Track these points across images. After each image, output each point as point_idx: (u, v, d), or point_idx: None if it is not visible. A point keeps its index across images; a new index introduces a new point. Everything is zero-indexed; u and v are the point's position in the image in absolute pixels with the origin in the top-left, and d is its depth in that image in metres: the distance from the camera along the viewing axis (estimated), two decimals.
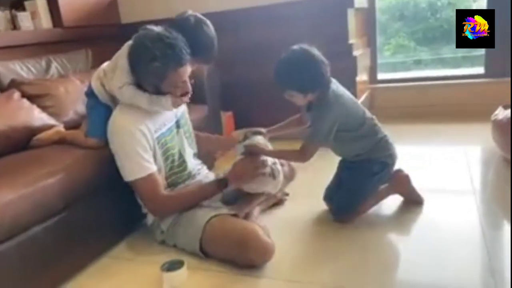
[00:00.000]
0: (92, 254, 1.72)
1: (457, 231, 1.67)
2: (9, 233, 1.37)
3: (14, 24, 2.49)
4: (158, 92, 1.61)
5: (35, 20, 2.56)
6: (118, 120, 1.65)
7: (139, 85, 1.62)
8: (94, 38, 2.85)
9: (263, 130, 1.92)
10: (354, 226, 1.78)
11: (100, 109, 1.78)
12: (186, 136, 1.88)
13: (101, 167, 1.70)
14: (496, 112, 2.28)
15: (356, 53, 2.82)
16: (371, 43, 3.44)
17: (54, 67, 2.40)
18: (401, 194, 1.93)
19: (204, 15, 1.77)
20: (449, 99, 3.23)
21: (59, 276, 1.57)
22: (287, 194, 2.11)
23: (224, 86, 2.85)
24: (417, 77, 3.56)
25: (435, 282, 1.39)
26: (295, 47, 1.66)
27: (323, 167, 2.08)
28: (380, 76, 3.52)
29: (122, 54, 1.65)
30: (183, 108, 1.89)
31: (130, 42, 1.62)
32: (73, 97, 2.17)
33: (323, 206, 1.94)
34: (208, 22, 1.75)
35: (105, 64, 1.81)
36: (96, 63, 2.27)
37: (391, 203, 1.92)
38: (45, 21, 2.61)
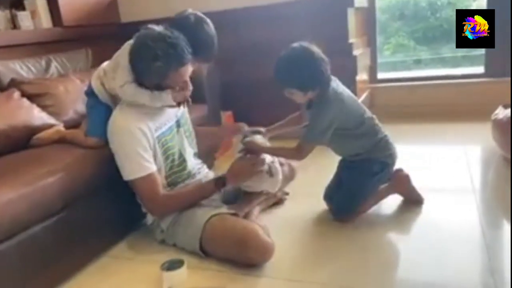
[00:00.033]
0: (92, 253, 1.72)
1: (457, 231, 1.67)
2: (9, 232, 1.37)
3: (14, 24, 2.49)
4: (159, 89, 1.62)
5: (35, 20, 2.56)
6: (118, 119, 1.65)
7: (140, 83, 1.62)
8: (94, 37, 2.85)
9: (262, 129, 1.92)
10: (354, 226, 1.78)
11: (100, 108, 1.78)
12: (186, 136, 1.88)
13: (101, 167, 1.70)
14: (496, 111, 2.28)
15: (356, 52, 2.82)
16: (371, 43, 3.44)
17: (54, 66, 2.40)
18: (401, 193, 1.93)
19: (204, 14, 1.77)
20: (449, 99, 3.23)
21: (59, 275, 1.57)
22: (287, 194, 2.11)
23: (224, 85, 2.85)
24: (417, 77, 3.56)
25: (435, 282, 1.39)
26: (295, 44, 1.66)
27: (323, 167, 2.08)
28: (380, 75, 3.52)
29: (123, 53, 1.64)
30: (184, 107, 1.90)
31: (130, 41, 1.62)
32: (73, 97, 2.17)
33: (323, 205, 1.94)
34: (208, 20, 1.75)
35: (105, 64, 1.81)
36: (96, 63, 2.27)
37: (391, 203, 1.92)
38: (45, 21, 2.60)
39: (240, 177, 1.75)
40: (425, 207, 1.88)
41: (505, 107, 2.26)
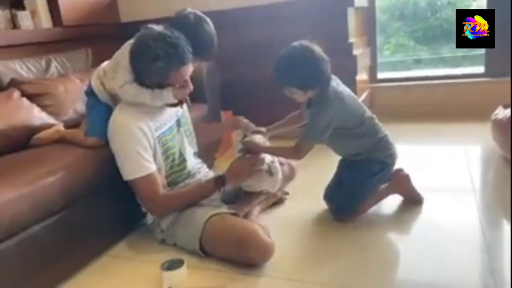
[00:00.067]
0: (92, 253, 1.72)
1: (457, 231, 1.67)
2: (9, 232, 1.37)
3: (14, 23, 2.49)
4: (160, 87, 1.61)
5: (35, 19, 2.56)
6: (118, 119, 1.65)
7: (141, 83, 1.62)
8: (94, 37, 2.85)
9: (262, 129, 1.92)
10: (354, 226, 1.78)
11: (100, 108, 1.77)
12: (187, 135, 1.88)
13: (101, 167, 1.70)
14: (496, 111, 2.28)
15: (356, 52, 2.82)
16: (371, 42, 3.44)
17: (54, 66, 2.40)
18: (401, 193, 1.93)
19: (204, 13, 1.77)
20: (449, 99, 3.23)
21: (59, 275, 1.57)
22: (287, 193, 2.11)
23: (224, 84, 2.85)
24: (417, 76, 3.56)
25: (435, 281, 1.39)
26: (295, 43, 1.66)
27: (323, 167, 2.08)
28: (380, 75, 3.52)
29: (123, 53, 1.64)
30: (184, 107, 1.89)
31: (131, 41, 1.61)
32: (72, 96, 2.17)
33: (323, 205, 1.94)
34: (208, 19, 1.75)
35: (105, 63, 1.81)
36: (96, 62, 2.26)
37: (391, 202, 1.92)
38: (45, 20, 2.60)
39: (240, 177, 1.75)
40: (425, 207, 1.88)
41: (505, 107, 2.26)
